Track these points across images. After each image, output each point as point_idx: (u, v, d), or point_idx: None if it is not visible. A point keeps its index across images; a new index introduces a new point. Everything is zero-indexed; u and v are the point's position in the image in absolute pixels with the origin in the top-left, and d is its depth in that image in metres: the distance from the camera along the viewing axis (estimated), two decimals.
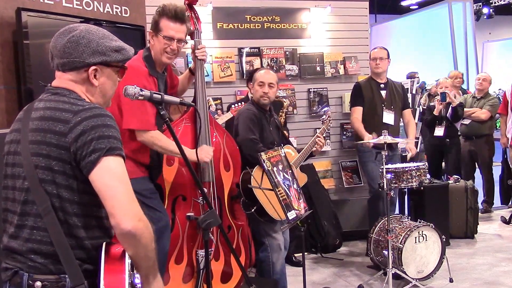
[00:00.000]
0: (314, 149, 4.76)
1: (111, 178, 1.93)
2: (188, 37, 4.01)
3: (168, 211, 3.80)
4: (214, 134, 4.06)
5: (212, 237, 3.85)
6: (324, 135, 4.94)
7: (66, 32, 2.08)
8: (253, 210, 4.09)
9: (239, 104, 5.18)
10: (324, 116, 5.18)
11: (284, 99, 5.87)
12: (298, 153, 4.68)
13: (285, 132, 5.65)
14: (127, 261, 1.98)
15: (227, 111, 5.36)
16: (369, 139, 5.47)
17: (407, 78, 10.15)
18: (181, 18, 3.65)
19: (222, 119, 5.23)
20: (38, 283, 1.94)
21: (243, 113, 4.48)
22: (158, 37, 3.61)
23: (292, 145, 4.84)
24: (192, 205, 3.89)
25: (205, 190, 3.83)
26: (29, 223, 1.99)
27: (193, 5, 4.06)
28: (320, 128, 5.03)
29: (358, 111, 5.96)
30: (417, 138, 7.54)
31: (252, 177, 4.04)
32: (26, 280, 1.95)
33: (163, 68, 3.75)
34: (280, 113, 5.64)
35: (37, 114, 2.02)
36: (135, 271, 2.09)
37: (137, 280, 2.06)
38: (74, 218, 1.98)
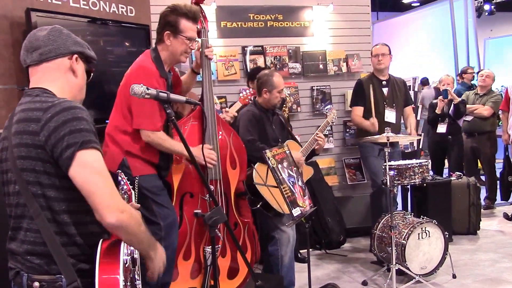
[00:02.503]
0: (316, 147, 4.79)
1: (89, 173, 1.94)
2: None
3: (176, 208, 3.83)
4: (221, 132, 4.09)
5: (219, 234, 3.90)
6: (326, 131, 4.98)
7: (42, 28, 2.18)
8: (259, 206, 4.15)
9: (247, 92, 5.13)
10: (328, 110, 5.22)
11: (287, 95, 5.87)
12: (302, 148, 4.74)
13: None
14: (122, 258, 2.00)
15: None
16: (372, 122, 5.53)
17: (461, 72, 10.06)
18: (198, 18, 3.73)
19: (232, 109, 5.15)
20: (36, 284, 1.99)
21: (243, 115, 4.55)
22: (178, 38, 3.62)
23: (297, 141, 4.87)
24: (199, 202, 3.94)
25: (212, 187, 3.88)
26: (23, 225, 2.03)
27: (200, 4, 4.10)
28: (321, 125, 5.07)
29: (359, 110, 6.00)
30: (420, 135, 7.57)
31: (254, 172, 4.09)
32: (25, 280, 2.01)
33: (169, 68, 3.79)
34: (284, 108, 5.66)
35: (16, 118, 2.06)
36: (136, 267, 2.14)
37: (137, 277, 2.12)
38: (62, 215, 2.00)
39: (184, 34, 3.63)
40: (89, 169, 1.94)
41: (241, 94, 5.22)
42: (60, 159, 1.94)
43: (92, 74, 2.30)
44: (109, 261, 1.97)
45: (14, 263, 2.05)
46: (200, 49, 4.03)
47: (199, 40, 4.06)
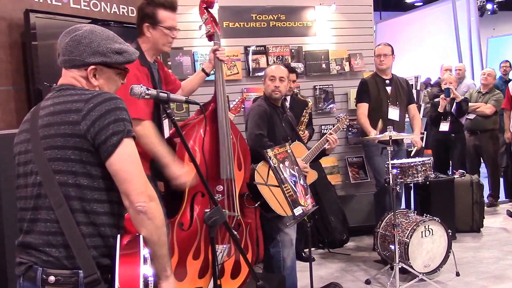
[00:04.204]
0: (327, 147, 4.75)
1: (129, 160, 2.02)
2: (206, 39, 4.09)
3: (187, 207, 3.84)
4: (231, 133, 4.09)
5: (236, 233, 3.84)
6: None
7: (71, 31, 2.14)
8: (256, 205, 4.14)
9: (237, 101, 5.18)
10: (341, 114, 5.22)
11: (309, 99, 5.91)
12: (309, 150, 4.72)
13: (307, 131, 5.74)
14: (142, 252, 1.99)
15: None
16: (375, 135, 5.52)
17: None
18: (176, 7, 3.67)
19: None
20: (52, 278, 1.95)
21: (253, 109, 4.53)
22: (157, 29, 3.57)
23: (304, 144, 4.85)
24: (211, 202, 3.93)
25: (221, 187, 3.90)
26: (42, 216, 2.01)
27: (210, 8, 4.10)
28: (334, 126, 5.07)
29: (364, 107, 6.00)
30: (422, 134, 7.58)
31: (256, 172, 4.08)
32: (40, 274, 1.97)
33: (154, 58, 3.74)
34: (304, 113, 5.70)
35: (46, 111, 2.07)
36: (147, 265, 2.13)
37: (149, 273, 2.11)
38: (93, 204, 2.01)
39: (163, 24, 3.58)
40: (130, 157, 2.03)
41: (231, 105, 5.23)
42: (103, 146, 1.98)
43: (126, 72, 2.27)
44: (130, 253, 1.98)
45: (27, 257, 2.02)
46: (215, 53, 4.06)
47: (212, 43, 4.07)
